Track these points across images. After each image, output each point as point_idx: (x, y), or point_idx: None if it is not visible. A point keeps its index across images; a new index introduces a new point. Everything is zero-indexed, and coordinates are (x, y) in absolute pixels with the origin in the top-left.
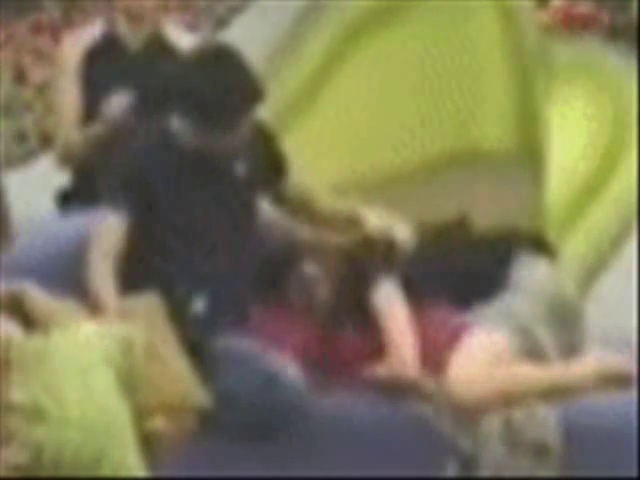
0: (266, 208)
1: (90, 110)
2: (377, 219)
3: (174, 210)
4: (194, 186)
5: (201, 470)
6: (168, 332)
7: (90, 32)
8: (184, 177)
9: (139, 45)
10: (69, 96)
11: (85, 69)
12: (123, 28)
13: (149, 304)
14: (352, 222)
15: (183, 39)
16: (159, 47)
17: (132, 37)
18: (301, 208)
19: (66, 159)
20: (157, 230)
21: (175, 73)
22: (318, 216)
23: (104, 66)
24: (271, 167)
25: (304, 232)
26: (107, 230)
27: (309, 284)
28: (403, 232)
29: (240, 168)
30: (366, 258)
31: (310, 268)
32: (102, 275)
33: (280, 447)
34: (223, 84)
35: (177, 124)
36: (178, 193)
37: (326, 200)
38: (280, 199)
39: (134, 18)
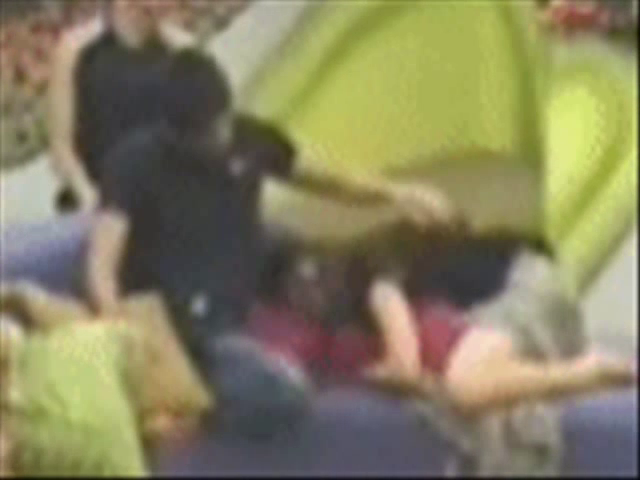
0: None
1: (86, 107)
2: (406, 191)
3: (172, 210)
4: (191, 186)
5: (201, 470)
6: (168, 333)
7: (88, 30)
8: (181, 177)
9: (137, 44)
10: (62, 103)
11: (82, 66)
12: (122, 26)
13: (149, 305)
14: (381, 197)
15: (179, 39)
16: (156, 46)
17: (130, 36)
18: (328, 186)
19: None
20: (156, 231)
21: (159, 76)
22: (346, 192)
23: (102, 64)
24: (280, 151)
25: (303, 232)
26: (106, 231)
27: (306, 285)
28: (435, 201)
29: (236, 167)
30: (405, 242)
31: (307, 269)
32: (101, 276)
33: (280, 447)
34: (192, 89)
35: (163, 126)
36: (176, 193)
37: (353, 175)
38: (299, 180)
39: (133, 17)
